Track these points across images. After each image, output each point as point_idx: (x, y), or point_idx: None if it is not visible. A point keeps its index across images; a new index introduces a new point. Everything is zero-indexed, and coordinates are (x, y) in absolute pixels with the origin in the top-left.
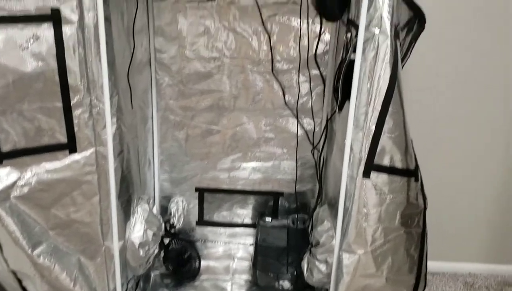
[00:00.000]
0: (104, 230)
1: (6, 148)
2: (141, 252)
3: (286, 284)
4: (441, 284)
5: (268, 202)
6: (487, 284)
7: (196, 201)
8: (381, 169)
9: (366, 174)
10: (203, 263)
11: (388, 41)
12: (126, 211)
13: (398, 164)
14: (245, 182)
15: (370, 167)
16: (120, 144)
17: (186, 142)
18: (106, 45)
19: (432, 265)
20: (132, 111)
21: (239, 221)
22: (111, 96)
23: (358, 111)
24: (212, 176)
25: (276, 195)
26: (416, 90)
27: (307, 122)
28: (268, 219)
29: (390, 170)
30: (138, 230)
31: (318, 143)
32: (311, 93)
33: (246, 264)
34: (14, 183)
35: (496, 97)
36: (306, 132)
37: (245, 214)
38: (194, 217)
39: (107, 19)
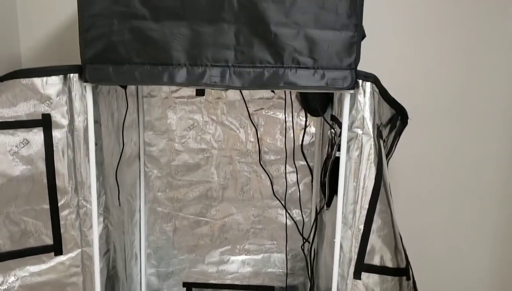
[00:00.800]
0: None
1: None
2: None
3: None
4: None
5: None
6: None
7: None
8: (371, 269)
9: (357, 275)
10: None
11: (372, 141)
12: None
13: (389, 263)
14: (234, 276)
15: (361, 267)
16: (107, 244)
17: (174, 234)
18: (95, 147)
19: None
20: (119, 208)
21: None
22: (99, 196)
23: (346, 209)
24: (200, 270)
25: (267, 290)
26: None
27: (297, 213)
28: None
29: (381, 270)
30: None
31: (308, 237)
32: (298, 185)
33: None
34: None
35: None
36: (296, 223)
37: None
38: None
39: (97, 121)
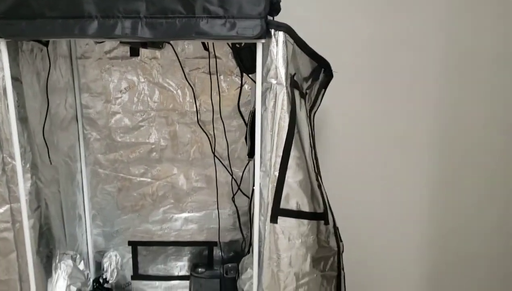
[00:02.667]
0: (24, 288)
1: None
2: None
3: None
4: None
5: (203, 252)
6: None
7: (130, 255)
8: (287, 213)
9: (274, 219)
10: None
11: (285, 90)
12: (46, 267)
13: (305, 208)
14: (178, 233)
15: (277, 212)
16: (37, 200)
17: (117, 195)
18: (16, 103)
19: None
20: (51, 167)
21: (175, 273)
22: (24, 153)
23: (265, 158)
24: (144, 228)
25: (210, 245)
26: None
27: (236, 170)
28: (202, 269)
29: (297, 214)
30: (60, 286)
31: (237, 191)
32: (234, 142)
33: None
34: None
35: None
36: (235, 180)
37: (180, 265)
38: (129, 271)
39: (17, 79)
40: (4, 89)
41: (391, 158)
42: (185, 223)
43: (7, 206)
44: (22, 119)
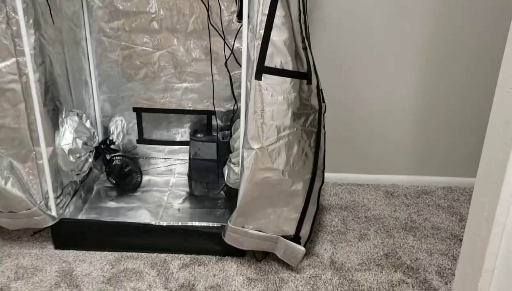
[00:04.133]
0: (34, 136)
1: None
2: (71, 158)
3: (218, 192)
4: (363, 193)
5: (202, 121)
6: (406, 193)
7: (135, 120)
8: (271, 71)
9: (258, 76)
10: (145, 177)
11: None
12: (53, 120)
13: (289, 66)
14: (179, 101)
15: (261, 69)
16: (42, 56)
17: (121, 64)
18: None
19: (357, 177)
20: (54, 27)
21: (177, 138)
22: (27, 8)
23: (253, 18)
24: (148, 96)
25: (209, 113)
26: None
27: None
28: (200, 135)
29: (280, 72)
30: (67, 138)
31: (230, 56)
32: (232, 13)
33: (185, 178)
34: None
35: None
36: (232, 52)
37: (181, 131)
38: (135, 136)
39: None
40: None
41: (385, 36)
42: (185, 92)
43: (14, 59)
44: None
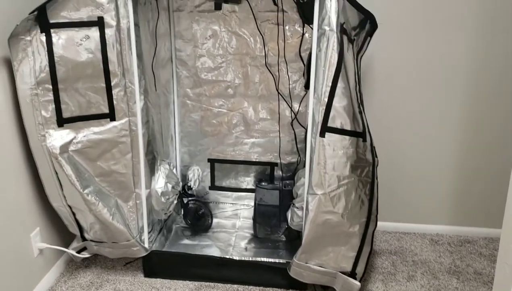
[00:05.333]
0: (136, 180)
1: (66, 115)
2: (163, 199)
3: (280, 235)
4: (410, 240)
5: (266, 171)
6: (449, 241)
7: (209, 170)
8: (333, 130)
9: (322, 134)
10: (215, 220)
11: (335, 35)
12: (151, 167)
13: (347, 127)
14: (246, 154)
15: (325, 128)
16: (147, 116)
17: (200, 122)
18: (135, 43)
19: (405, 226)
20: (156, 94)
21: (243, 186)
22: (140, 80)
23: (318, 88)
24: (220, 149)
25: (272, 165)
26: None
27: (296, 105)
28: (264, 183)
29: (340, 131)
30: (160, 182)
31: (294, 118)
32: (295, 82)
33: (250, 222)
34: (71, 141)
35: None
36: (293, 112)
37: (248, 180)
38: (208, 183)
39: (136, 24)
40: (128, 31)
41: (428, 101)
42: (252, 146)
43: (127, 119)
44: (139, 55)
